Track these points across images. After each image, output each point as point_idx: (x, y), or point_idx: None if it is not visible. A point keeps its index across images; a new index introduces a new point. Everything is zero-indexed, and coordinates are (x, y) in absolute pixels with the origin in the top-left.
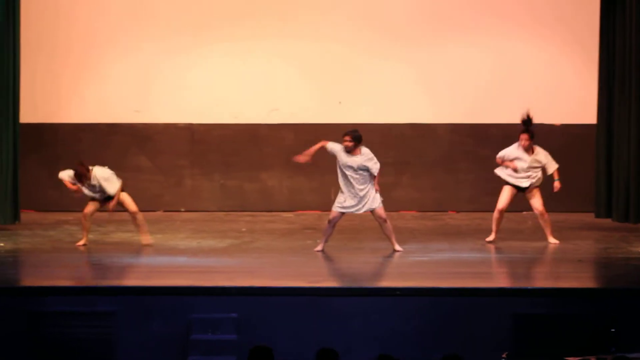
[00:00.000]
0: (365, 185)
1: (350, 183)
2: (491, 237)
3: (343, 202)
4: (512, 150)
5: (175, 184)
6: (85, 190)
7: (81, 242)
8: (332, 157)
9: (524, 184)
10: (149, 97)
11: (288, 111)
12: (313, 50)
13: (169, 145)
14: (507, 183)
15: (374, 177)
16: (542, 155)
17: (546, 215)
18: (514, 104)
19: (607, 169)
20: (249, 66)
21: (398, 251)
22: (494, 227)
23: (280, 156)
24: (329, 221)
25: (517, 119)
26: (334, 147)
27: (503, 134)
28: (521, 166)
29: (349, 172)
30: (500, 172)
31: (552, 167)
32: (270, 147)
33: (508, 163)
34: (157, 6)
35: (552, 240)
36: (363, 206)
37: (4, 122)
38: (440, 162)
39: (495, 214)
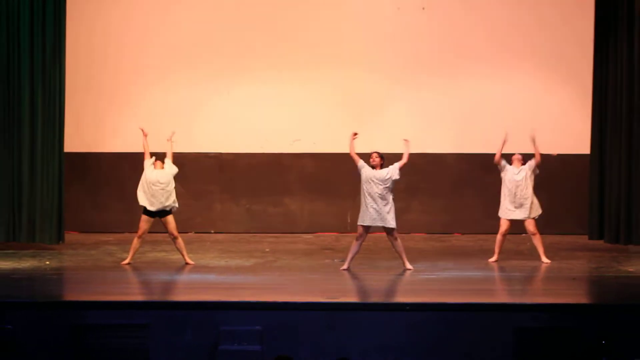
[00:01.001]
0: (387, 202)
1: (374, 199)
2: (494, 258)
3: (365, 217)
4: (509, 169)
5: (206, 208)
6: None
7: (127, 261)
8: (350, 183)
9: (520, 216)
10: (183, 128)
11: (309, 141)
12: (333, 83)
13: (200, 173)
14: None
15: (391, 190)
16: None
17: (538, 236)
18: (516, 136)
19: (600, 195)
20: (273, 100)
21: (409, 269)
22: (496, 249)
23: (302, 183)
24: (356, 238)
25: (517, 149)
26: (362, 163)
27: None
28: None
29: (373, 187)
30: (501, 213)
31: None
32: (292, 174)
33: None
34: (190, 44)
35: (544, 259)
36: (383, 220)
37: (50, 150)
38: (448, 188)
39: (498, 237)
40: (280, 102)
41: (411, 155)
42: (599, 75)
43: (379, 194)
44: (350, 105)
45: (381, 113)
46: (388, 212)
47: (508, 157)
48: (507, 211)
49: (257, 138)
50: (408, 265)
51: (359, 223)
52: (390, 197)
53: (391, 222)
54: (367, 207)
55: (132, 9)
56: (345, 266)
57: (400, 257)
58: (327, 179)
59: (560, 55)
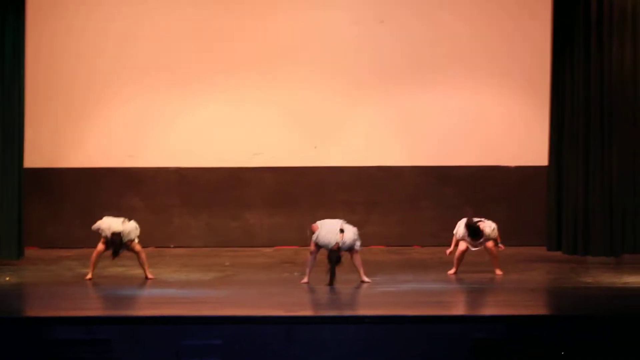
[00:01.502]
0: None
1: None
2: (453, 270)
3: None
4: (463, 231)
5: (165, 222)
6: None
7: (89, 276)
8: (310, 197)
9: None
10: (142, 143)
11: (269, 155)
12: (291, 98)
13: (160, 187)
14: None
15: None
16: (487, 229)
17: (494, 249)
18: (474, 148)
19: (557, 207)
20: (233, 114)
21: (366, 282)
22: (455, 262)
23: (261, 196)
24: (310, 252)
25: (475, 161)
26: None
27: (464, 175)
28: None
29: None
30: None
31: (494, 236)
32: (252, 188)
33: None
34: (149, 58)
35: (498, 271)
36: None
37: (9, 166)
38: (406, 201)
39: (457, 253)
40: (239, 117)
41: (368, 169)
42: (557, 87)
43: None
44: (309, 119)
45: (339, 126)
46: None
47: (468, 185)
48: (466, 243)
49: (217, 152)
50: (365, 278)
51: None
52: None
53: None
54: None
55: (91, 24)
56: (305, 279)
57: (358, 270)
58: (287, 192)
59: (519, 67)
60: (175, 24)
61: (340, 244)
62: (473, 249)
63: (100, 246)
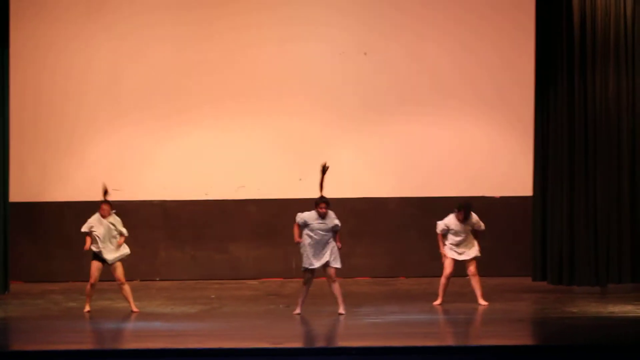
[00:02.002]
0: (329, 244)
1: (318, 244)
2: (438, 301)
3: (311, 261)
4: (451, 221)
5: (151, 255)
6: (100, 231)
7: (87, 309)
8: (292, 231)
9: (463, 257)
10: (127, 176)
11: (253, 187)
12: (275, 130)
13: (145, 220)
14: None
15: (336, 234)
16: (474, 219)
17: (477, 277)
18: (459, 178)
19: (542, 237)
20: (217, 147)
21: (341, 314)
22: (440, 292)
23: (246, 229)
24: (304, 283)
25: (461, 192)
26: (302, 217)
27: (449, 206)
28: (457, 240)
29: (317, 236)
30: (447, 250)
31: (481, 227)
32: (237, 221)
33: (443, 250)
34: (134, 93)
35: (482, 302)
36: (324, 260)
37: None
38: (392, 232)
39: (442, 280)
40: (224, 149)
41: (353, 200)
42: (540, 118)
43: (322, 240)
44: (294, 151)
45: (325, 158)
46: (329, 252)
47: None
48: (453, 252)
49: (201, 185)
50: (342, 309)
51: (303, 268)
52: (332, 238)
53: (334, 262)
54: (308, 252)
55: (77, 59)
56: (297, 310)
57: (337, 299)
58: (272, 224)
59: (503, 99)
60: (159, 59)
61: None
62: (458, 256)
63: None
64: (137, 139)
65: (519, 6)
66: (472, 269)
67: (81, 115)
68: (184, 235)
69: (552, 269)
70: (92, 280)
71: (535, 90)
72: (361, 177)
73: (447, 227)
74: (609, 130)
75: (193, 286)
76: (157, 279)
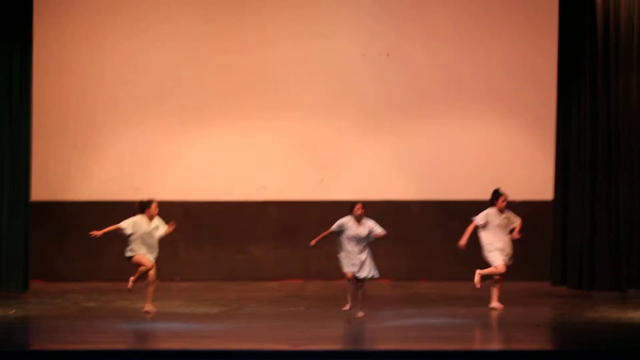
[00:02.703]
0: (365, 252)
1: (354, 251)
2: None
3: (350, 264)
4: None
5: (171, 256)
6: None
7: (147, 308)
8: (315, 229)
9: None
10: (148, 176)
11: (274, 189)
12: (297, 130)
13: (165, 220)
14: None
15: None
16: (510, 213)
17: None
18: (480, 182)
19: (563, 241)
20: (238, 148)
21: (360, 317)
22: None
23: (267, 230)
24: (348, 280)
25: (482, 196)
26: (341, 223)
27: (470, 209)
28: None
29: (353, 243)
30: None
31: (517, 220)
32: (257, 222)
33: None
34: (154, 94)
35: (497, 305)
36: (363, 271)
37: (15, 200)
38: (412, 235)
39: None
40: (245, 150)
41: (375, 203)
42: (562, 121)
43: (358, 248)
44: (315, 152)
45: (346, 160)
46: (366, 260)
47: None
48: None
49: (222, 185)
50: (360, 313)
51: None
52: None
53: (373, 272)
54: (345, 257)
55: (99, 58)
56: (347, 307)
57: (360, 303)
58: (292, 226)
59: (524, 101)
60: (180, 56)
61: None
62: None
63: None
64: (158, 139)
65: (541, 8)
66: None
67: (102, 113)
68: (204, 236)
69: (571, 274)
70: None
71: (557, 93)
72: (382, 179)
73: (488, 221)
74: (632, 134)
75: (213, 287)
76: (178, 279)
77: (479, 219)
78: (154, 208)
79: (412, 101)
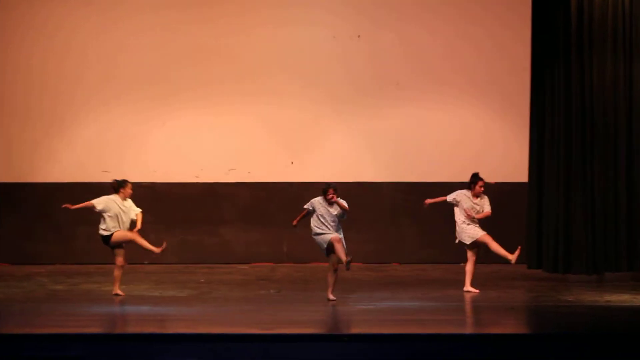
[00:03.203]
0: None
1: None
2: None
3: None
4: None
5: None
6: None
7: (117, 291)
8: (286, 212)
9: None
10: (117, 158)
11: (244, 171)
12: (267, 112)
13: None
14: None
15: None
16: (485, 199)
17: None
18: (453, 164)
19: (538, 224)
20: (208, 130)
21: (331, 300)
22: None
23: (237, 212)
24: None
25: (455, 178)
26: (312, 205)
27: (443, 192)
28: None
29: (326, 221)
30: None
31: (487, 209)
32: (227, 204)
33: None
34: (126, 75)
35: (471, 289)
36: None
37: None
38: (384, 218)
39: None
40: (214, 132)
41: (346, 185)
42: (536, 104)
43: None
44: (286, 134)
45: (317, 141)
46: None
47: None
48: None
49: (192, 168)
50: (331, 296)
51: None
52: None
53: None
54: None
55: (70, 38)
56: (330, 296)
57: (330, 287)
58: (263, 208)
59: (497, 85)
60: (152, 42)
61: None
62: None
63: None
64: (127, 121)
65: None
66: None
67: (72, 94)
68: (173, 219)
69: (547, 257)
70: (117, 262)
71: (531, 75)
72: (353, 162)
73: (458, 200)
74: (606, 116)
75: (182, 270)
76: (146, 262)
77: (448, 197)
78: (129, 188)
79: (383, 84)
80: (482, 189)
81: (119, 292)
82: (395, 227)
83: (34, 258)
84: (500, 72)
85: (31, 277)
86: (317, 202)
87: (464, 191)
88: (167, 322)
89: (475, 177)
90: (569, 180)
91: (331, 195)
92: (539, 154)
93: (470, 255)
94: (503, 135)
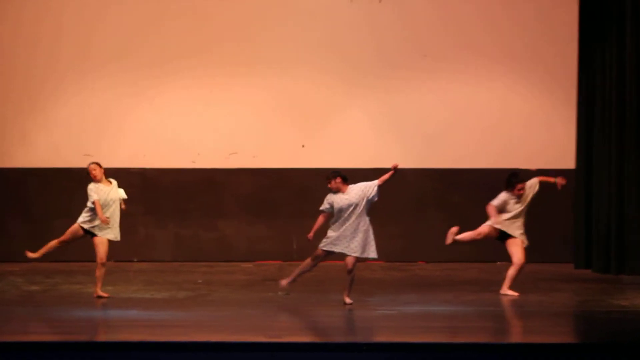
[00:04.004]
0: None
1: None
2: (455, 229)
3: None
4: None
5: (127, 232)
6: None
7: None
8: (295, 203)
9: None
10: (100, 140)
11: (248, 155)
12: (274, 89)
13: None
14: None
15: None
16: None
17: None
18: (488, 148)
19: (587, 216)
20: (207, 108)
21: (348, 304)
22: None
23: (239, 203)
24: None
25: (490, 164)
26: (328, 201)
27: (476, 180)
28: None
29: (346, 214)
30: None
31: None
32: (228, 193)
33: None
34: (107, 45)
35: (509, 292)
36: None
37: None
38: (409, 210)
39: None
40: (213, 109)
41: (363, 171)
42: (585, 79)
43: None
44: (296, 113)
45: (331, 121)
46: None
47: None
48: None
49: (187, 151)
50: (348, 300)
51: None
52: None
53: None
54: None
55: (44, 10)
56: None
57: (347, 289)
58: (269, 198)
59: (539, 58)
60: (139, 5)
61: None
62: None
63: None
64: (110, 97)
65: None
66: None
67: (48, 70)
68: (166, 210)
69: (597, 255)
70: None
71: (579, 48)
72: (373, 145)
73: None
74: None
75: (177, 269)
76: (135, 259)
77: (495, 202)
78: (90, 170)
79: (409, 55)
80: (522, 192)
81: (101, 293)
82: (422, 220)
83: (6, 255)
84: (543, 43)
85: (3, 276)
86: (331, 198)
87: (505, 195)
88: (159, 328)
89: (515, 178)
90: (622, 167)
91: (333, 185)
92: (587, 137)
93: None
94: (546, 115)
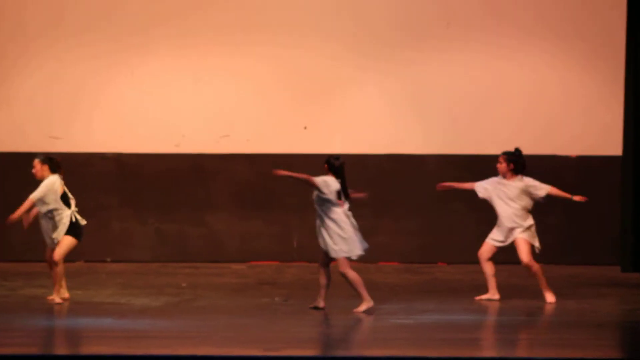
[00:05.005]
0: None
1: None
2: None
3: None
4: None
5: (100, 228)
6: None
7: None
8: (297, 194)
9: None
10: (69, 120)
11: (241, 138)
12: (274, 61)
13: (93, 180)
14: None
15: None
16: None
17: (535, 267)
18: (522, 132)
19: (635, 211)
20: (192, 81)
21: (361, 313)
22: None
23: (231, 194)
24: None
25: (524, 150)
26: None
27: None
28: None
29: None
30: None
31: (544, 189)
32: (218, 183)
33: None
34: (81, 9)
35: (549, 298)
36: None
37: None
38: (429, 202)
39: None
40: (200, 85)
41: (377, 157)
42: (635, 55)
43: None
44: (298, 88)
45: (338, 99)
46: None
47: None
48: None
49: (170, 133)
50: (362, 308)
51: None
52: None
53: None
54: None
55: None
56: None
57: (358, 292)
58: (266, 188)
59: (580, 31)
60: None
61: None
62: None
63: None
64: (81, 71)
65: None
66: (523, 258)
67: (9, 40)
68: (145, 201)
69: None
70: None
71: (627, 19)
72: (388, 127)
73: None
74: None
75: (157, 270)
76: (109, 259)
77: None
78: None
79: (429, 23)
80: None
81: (56, 298)
82: (444, 215)
83: None
84: (586, 13)
85: None
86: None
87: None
88: (137, 339)
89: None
90: None
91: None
92: (636, 120)
93: None
94: (587, 95)
